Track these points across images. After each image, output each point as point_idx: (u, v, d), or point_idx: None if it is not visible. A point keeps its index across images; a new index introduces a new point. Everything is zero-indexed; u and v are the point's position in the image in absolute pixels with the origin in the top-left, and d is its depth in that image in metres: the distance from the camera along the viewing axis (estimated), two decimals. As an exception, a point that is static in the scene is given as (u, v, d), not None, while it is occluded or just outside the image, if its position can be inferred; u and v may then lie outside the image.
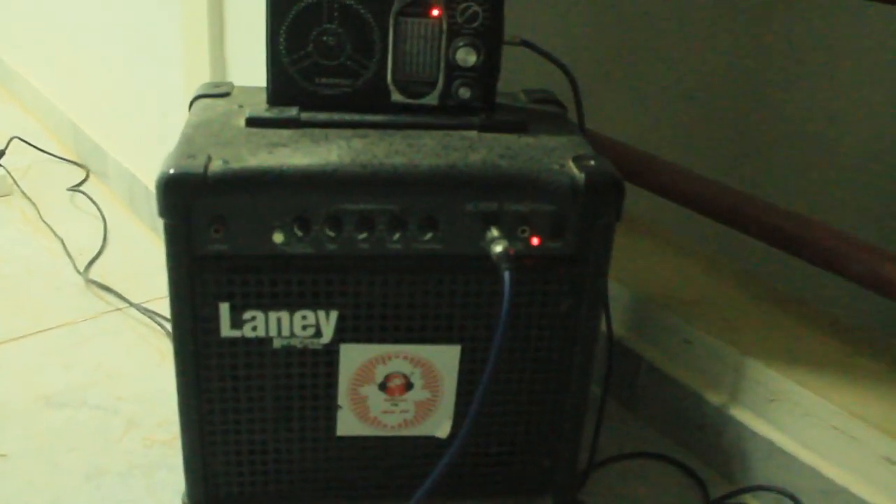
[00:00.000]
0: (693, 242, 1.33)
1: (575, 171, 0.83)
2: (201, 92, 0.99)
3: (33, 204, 1.75)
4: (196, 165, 0.79)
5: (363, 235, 0.83)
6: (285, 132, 0.88)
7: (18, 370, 1.26)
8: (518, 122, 0.92)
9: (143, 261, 1.56)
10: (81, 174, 1.90)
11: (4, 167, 1.83)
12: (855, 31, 1.74)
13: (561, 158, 0.86)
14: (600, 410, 1.07)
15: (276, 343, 0.87)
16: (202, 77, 1.35)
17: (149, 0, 1.54)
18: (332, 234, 0.82)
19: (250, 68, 1.28)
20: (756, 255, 1.23)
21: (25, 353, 1.30)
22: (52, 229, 1.65)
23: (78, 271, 1.52)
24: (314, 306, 0.85)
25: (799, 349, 1.07)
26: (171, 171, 0.79)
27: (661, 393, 1.16)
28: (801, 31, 1.72)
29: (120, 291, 1.45)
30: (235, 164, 0.80)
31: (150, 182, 1.63)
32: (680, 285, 1.22)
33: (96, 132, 1.89)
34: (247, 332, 0.86)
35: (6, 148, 1.89)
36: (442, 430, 0.93)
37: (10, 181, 1.82)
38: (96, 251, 1.58)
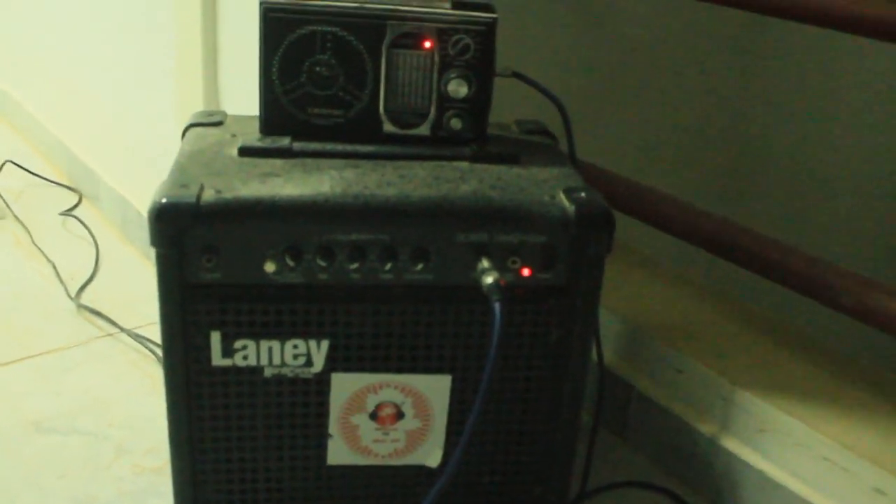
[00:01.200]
0: (684, 270, 1.33)
1: (566, 203, 0.84)
2: (194, 121, 1.00)
3: (26, 228, 1.75)
4: (188, 195, 0.80)
5: (355, 265, 0.83)
6: (278, 162, 0.89)
7: (7, 396, 1.25)
8: (509, 153, 0.93)
9: (135, 286, 1.56)
10: (74, 198, 1.90)
11: (-2, 192, 1.84)
12: (848, 62, 1.76)
13: (552, 190, 0.86)
14: (591, 439, 1.08)
15: (268, 372, 0.87)
16: (195, 104, 1.35)
17: (143, 26, 1.55)
18: (323, 263, 0.82)
19: (243, 95, 1.29)
20: (746, 283, 1.23)
21: (14, 378, 1.30)
22: (44, 254, 1.65)
23: (69, 296, 1.51)
24: (305, 335, 0.85)
25: (789, 379, 1.08)
26: (164, 200, 0.80)
27: (651, 422, 1.16)
28: (794, 62, 1.74)
29: (111, 317, 1.44)
30: (228, 194, 0.81)
31: (143, 208, 1.63)
32: (671, 314, 1.22)
33: (89, 157, 1.89)
34: (238, 360, 0.86)
35: (-1, 171, 1.89)
36: (433, 459, 0.93)
37: (3, 205, 1.82)
38: (88, 276, 1.58)
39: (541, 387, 0.91)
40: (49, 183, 1.97)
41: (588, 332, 0.89)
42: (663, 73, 1.58)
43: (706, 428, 1.09)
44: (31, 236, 1.72)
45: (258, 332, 0.85)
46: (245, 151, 0.90)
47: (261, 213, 0.81)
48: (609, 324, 1.20)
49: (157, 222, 0.79)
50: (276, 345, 0.85)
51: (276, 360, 0.86)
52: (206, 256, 0.81)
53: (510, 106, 1.03)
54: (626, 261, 1.33)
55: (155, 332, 1.37)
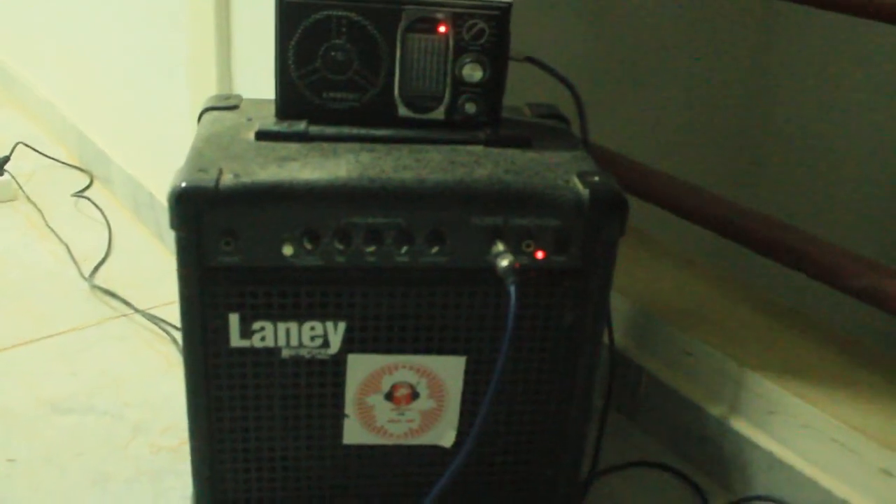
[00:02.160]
0: (694, 253, 1.34)
1: (579, 187, 0.85)
2: (210, 104, 1.01)
3: (38, 209, 1.77)
4: (207, 179, 0.81)
5: (371, 248, 0.84)
6: (294, 146, 0.89)
7: (24, 376, 1.27)
8: (523, 137, 0.94)
9: (148, 267, 1.57)
10: (86, 180, 1.91)
11: (9, 172, 1.84)
12: (858, 43, 1.76)
13: (565, 174, 0.87)
14: (602, 420, 1.09)
15: (285, 353, 0.88)
16: (208, 86, 1.36)
17: (155, 7, 1.55)
18: (340, 247, 0.83)
19: (256, 77, 1.30)
20: (757, 265, 1.24)
21: (31, 358, 1.31)
22: (56, 235, 1.66)
23: (83, 277, 1.53)
24: (322, 317, 0.87)
25: (798, 361, 1.09)
26: (183, 184, 0.81)
27: (662, 404, 1.17)
28: (804, 44, 1.74)
29: (125, 297, 1.46)
30: (246, 178, 0.82)
31: (155, 189, 1.65)
32: (681, 296, 1.23)
33: (101, 138, 1.90)
34: (255, 342, 0.87)
35: (11, 153, 1.89)
36: (446, 439, 0.95)
37: (15, 186, 1.83)
38: (101, 257, 1.60)
39: (554, 368, 0.92)
40: (60, 164, 1.98)
41: (601, 313, 0.90)
42: (675, 56, 1.58)
43: (716, 410, 1.11)
44: (44, 218, 1.74)
45: (276, 314, 0.86)
46: (262, 135, 0.91)
47: (279, 197, 0.81)
48: (619, 306, 1.21)
49: (176, 206, 0.80)
50: (293, 326, 0.87)
51: (294, 342, 0.87)
52: (225, 240, 0.82)
53: (523, 90, 1.04)
54: (636, 243, 1.33)
55: (168, 313, 1.40)
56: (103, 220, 1.73)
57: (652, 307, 1.21)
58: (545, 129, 0.99)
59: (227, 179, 0.81)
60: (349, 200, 0.83)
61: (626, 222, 0.86)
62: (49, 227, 1.70)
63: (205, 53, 1.37)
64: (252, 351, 0.87)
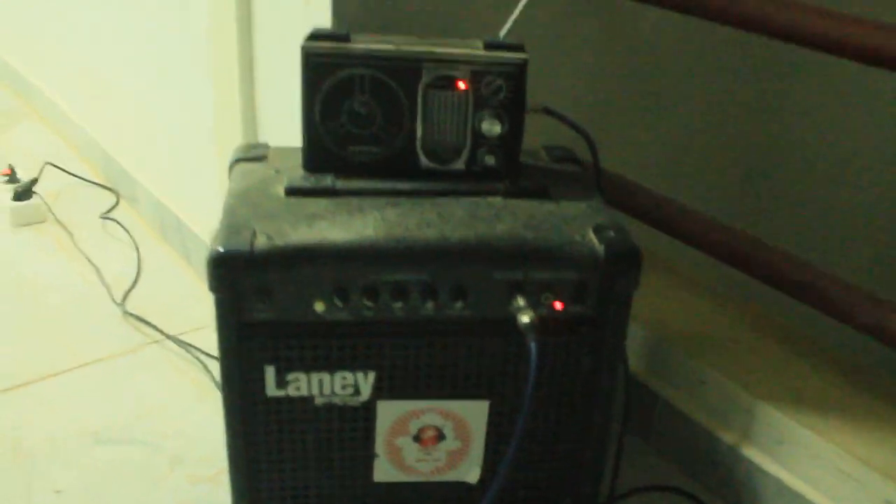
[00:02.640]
0: (706, 278, 1.38)
1: (595, 242, 0.89)
2: (239, 156, 1.05)
3: (67, 231, 1.82)
4: (242, 242, 0.86)
5: (398, 304, 0.89)
6: (322, 202, 0.94)
7: (65, 405, 1.33)
8: (540, 187, 0.98)
9: (177, 291, 1.63)
10: (112, 199, 1.97)
11: (38, 194, 1.90)
12: (868, 73, 1.78)
13: (582, 228, 0.91)
14: (619, 446, 1.13)
15: (318, 401, 0.93)
16: (231, 111, 1.39)
17: (179, 34, 1.59)
18: (369, 303, 0.88)
19: (279, 105, 1.33)
20: (767, 293, 1.28)
21: (71, 387, 1.37)
22: (87, 258, 1.72)
23: (115, 302, 1.58)
24: (353, 368, 0.92)
25: (808, 392, 1.13)
26: (220, 249, 0.85)
27: (676, 429, 1.22)
28: (814, 70, 1.76)
29: (156, 323, 1.51)
30: (279, 241, 0.86)
31: (181, 212, 1.71)
32: (694, 324, 1.27)
33: (126, 159, 1.95)
34: (291, 391, 0.92)
35: (39, 175, 1.95)
36: (472, 475, 1.00)
37: (45, 209, 1.89)
38: (131, 280, 1.65)
39: (572, 409, 0.97)
40: (87, 183, 2.03)
41: (616, 358, 0.95)
42: (686, 83, 1.62)
43: (728, 437, 1.15)
44: (73, 239, 1.79)
45: (309, 366, 0.91)
46: (291, 191, 0.95)
47: (310, 258, 0.86)
48: (633, 332, 1.25)
49: (214, 270, 0.85)
50: (325, 377, 0.92)
51: (326, 391, 0.92)
52: (260, 298, 0.87)
53: (539, 125, 1.07)
54: (649, 268, 1.37)
55: (198, 338, 1.45)
56: (131, 242, 1.78)
57: (665, 335, 1.25)
58: (561, 176, 1.04)
59: (261, 242, 0.86)
60: (376, 260, 0.87)
61: (640, 274, 0.90)
62: (79, 250, 1.75)
63: (228, 80, 1.40)
64: (287, 399, 0.92)
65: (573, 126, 1.02)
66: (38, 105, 2.43)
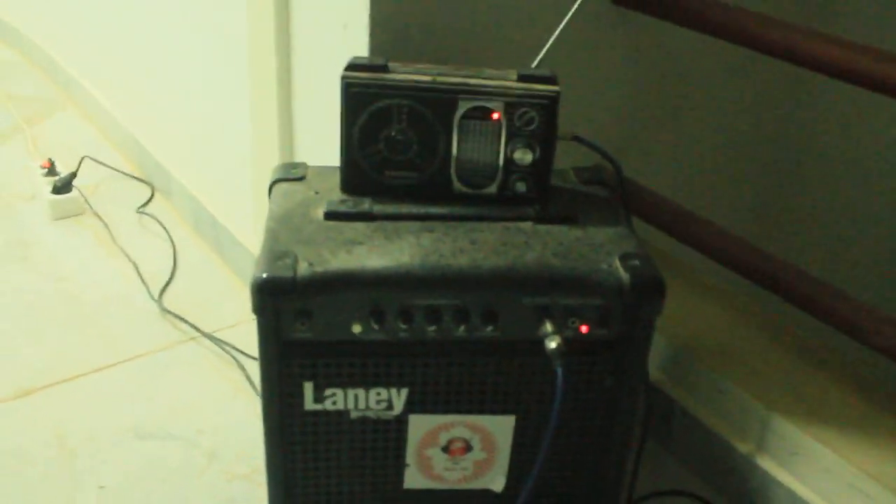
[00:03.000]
0: (727, 288, 1.42)
1: (621, 271, 0.93)
2: (279, 176, 1.10)
3: (105, 224, 1.88)
4: (285, 269, 0.90)
5: (432, 327, 0.93)
6: (360, 226, 0.98)
7: (106, 400, 1.39)
8: (569, 214, 1.02)
9: (211, 287, 1.68)
10: (147, 192, 2.02)
11: (76, 188, 1.95)
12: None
13: (608, 256, 0.95)
14: (638, 453, 1.18)
15: (353, 414, 0.98)
16: (269, 123, 1.43)
17: (221, 38, 1.61)
18: (403, 326, 0.93)
19: (315, 121, 1.37)
20: (787, 306, 1.32)
21: (110, 383, 1.43)
22: (125, 253, 1.77)
23: (153, 298, 1.64)
24: (387, 385, 0.97)
25: (822, 405, 1.17)
26: (264, 275, 0.90)
27: (694, 436, 1.26)
28: (839, 93, 1.78)
29: (192, 320, 1.57)
30: (319, 267, 0.91)
31: (215, 209, 1.76)
32: (714, 334, 1.31)
33: (161, 153, 2.00)
34: (327, 405, 0.97)
35: (78, 169, 2.00)
36: (497, 484, 1.05)
37: (83, 201, 1.94)
38: (167, 276, 1.71)
39: (595, 426, 1.02)
40: (123, 175, 2.09)
41: (638, 379, 1.00)
42: (703, 102, 1.64)
43: (743, 447, 1.20)
44: (110, 233, 1.85)
45: (345, 382, 0.96)
46: (330, 216, 1.00)
47: (348, 284, 0.91)
48: (656, 343, 1.29)
49: (258, 295, 0.90)
50: (361, 392, 0.97)
51: (361, 405, 0.97)
52: (301, 320, 0.92)
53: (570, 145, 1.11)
54: (671, 276, 1.41)
55: (233, 336, 1.51)
56: (166, 237, 1.83)
57: (686, 344, 1.29)
58: (590, 201, 1.07)
59: (303, 269, 0.91)
60: (412, 285, 0.92)
61: (664, 302, 0.94)
62: (116, 244, 1.81)
63: (267, 95, 1.44)
64: (324, 413, 0.98)
65: (602, 154, 1.06)
66: (76, 96, 2.47)
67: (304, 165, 1.12)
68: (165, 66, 1.90)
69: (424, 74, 1.00)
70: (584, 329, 0.95)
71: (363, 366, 0.95)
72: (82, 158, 2.04)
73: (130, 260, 1.75)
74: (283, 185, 1.08)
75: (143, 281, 1.69)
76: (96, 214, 1.92)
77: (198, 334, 1.54)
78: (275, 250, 0.94)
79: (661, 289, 0.93)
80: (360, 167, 1.03)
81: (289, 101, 1.41)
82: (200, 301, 1.63)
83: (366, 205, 1.01)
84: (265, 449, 1.00)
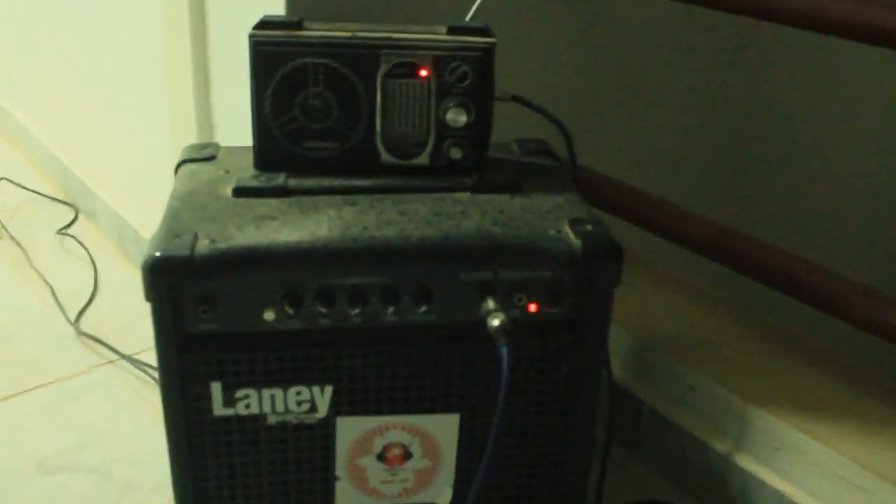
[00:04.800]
0: (692, 276, 1.31)
1: (571, 237, 0.81)
2: (186, 156, 0.97)
3: (22, 249, 1.73)
4: (182, 247, 0.77)
5: (356, 310, 0.81)
6: (273, 202, 0.86)
7: (9, 432, 1.24)
8: (511, 181, 0.90)
9: (134, 308, 1.51)
10: (71, 214, 1.88)
11: (-8, 211, 1.81)
12: (853, 61, 1.72)
13: (557, 222, 0.84)
14: (604, 459, 1.06)
15: (271, 419, 0.85)
16: (188, 119, 1.32)
17: (134, 43, 1.52)
18: (323, 309, 0.80)
19: (236, 107, 1.25)
20: (756, 291, 1.21)
21: (15, 413, 1.28)
22: (41, 276, 1.63)
23: (69, 321, 1.49)
24: (308, 382, 0.83)
25: (804, 394, 1.05)
26: (157, 253, 0.77)
27: (664, 438, 1.14)
28: (797, 62, 1.70)
29: (111, 342, 1.42)
30: (222, 244, 0.78)
31: (140, 226, 1.62)
32: (680, 325, 1.20)
33: (84, 172, 1.86)
34: (240, 409, 0.84)
35: (-7, 191, 1.86)
36: (443, 497, 0.92)
37: (-1, 225, 1.80)
38: (87, 298, 1.56)
39: (551, 420, 0.89)
40: (45, 198, 1.94)
41: (598, 364, 0.87)
42: (662, 76, 1.55)
43: (720, 446, 1.08)
44: (27, 258, 1.70)
45: (260, 381, 0.83)
46: (239, 192, 0.87)
47: (257, 262, 0.78)
48: (616, 336, 1.18)
49: (150, 277, 0.77)
50: (278, 392, 0.83)
51: (280, 408, 0.84)
52: (203, 307, 0.79)
53: (512, 119, 1.00)
54: (630, 268, 1.30)
55: (155, 358, 1.36)
56: (88, 258, 1.69)
57: (650, 337, 1.18)
58: (535, 170, 0.96)
59: (203, 246, 0.78)
60: (331, 262, 0.79)
61: (622, 272, 0.82)
62: (34, 268, 1.66)
63: (182, 84, 1.33)
64: (237, 419, 0.84)
65: (546, 115, 0.95)
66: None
67: (215, 145, 1.00)
68: (84, 81, 1.77)
69: (343, 31, 0.89)
70: (532, 308, 0.83)
71: (279, 360, 0.82)
72: (-1, 179, 1.90)
73: (47, 283, 1.60)
74: (191, 166, 0.95)
75: (59, 304, 1.54)
76: (13, 239, 1.77)
77: (116, 357, 1.39)
78: (172, 228, 0.81)
79: (619, 254, 0.82)
80: (274, 139, 0.90)
81: (206, 88, 1.29)
82: (122, 323, 1.48)
83: (280, 179, 0.89)
84: (170, 466, 0.86)
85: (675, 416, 1.13)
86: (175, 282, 0.77)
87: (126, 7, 1.51)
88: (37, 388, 1.33)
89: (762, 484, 1.03)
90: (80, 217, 1.87)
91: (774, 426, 1.03)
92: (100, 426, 1.25)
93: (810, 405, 1.04)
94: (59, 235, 1.79)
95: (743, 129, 1.74)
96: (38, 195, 1.95)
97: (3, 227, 1.80)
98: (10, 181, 1.94)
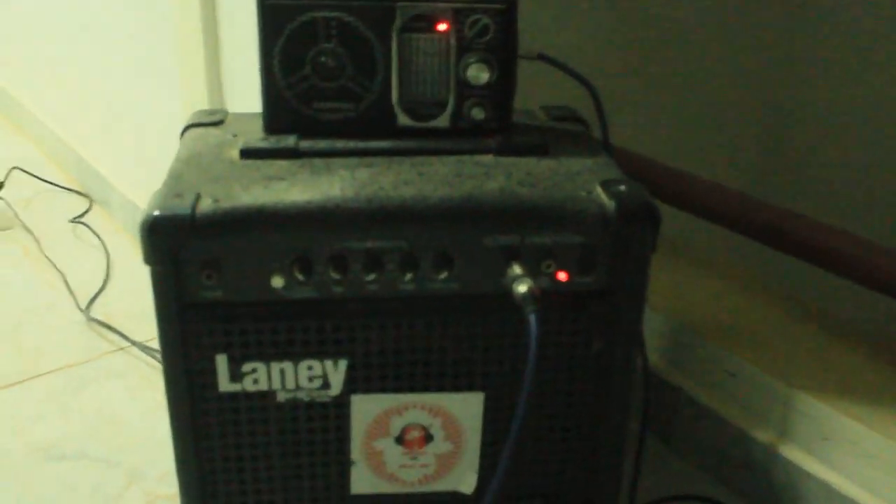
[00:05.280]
0: (730, 261, 1.24)
1: (604, 197, 0.75)
2: (193, 121, 0.92)
3: (35, 238, 1.69)
4: (183, 206, 0.72)
5: (371, 276, 0.74)
6: (283, 163, 0.80)
7: (15, 419, 1.19)
8: (538, 143, 0.84)
9: (147, 295, 1.48)
10: (85, 204, 1.84)
11: (5, 199, 1.77)
12: (886, 34, 1.64)
13: (587, 183, 0.77)
14: (639, 451, 0.99)
15: (281, 396, 0.78)
16: (200, 103, 1.28)
17: (145, 26, 1.47)
18: (336, 276, 0.74)
19: (249, 90, 1.21)
20: (800, 273, 1.14)
21: (22, 400, 1.23)
22: (53, 264, 1.59)
23: (80, 309, 1.45)
24: (320, 355, 0.77)
25: (855, 380, 0.98)
26: (156, 213, 0.71)
27: (702, 429, 1.07)
28: (832, 37, 1.62)
29: (122, 329, 1.38)
30: (226, 203, 0.73)
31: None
32: (719, 310, 1.13)
33: (98, 161, 1.83)
34: (247, 385, 0.78)
35: (6, 179, 1.82)
36: (466, 484, 0.85)
37: (11, 214, 1.76)
38: (98, 286, 1.51)
39: (583, 400, 0.82)
40: (59, 189, 1.91)
41: (632, 339, 0.80)
42: (694, 54, 1.48)
43: (763, 435, 1.00)
44: (40, 246, 1.66)
45: (268, 354, 0.77)
46: (247, 153, 0.82)
47: (264, 223, 0.72)
48: (652, 322, 1.11)
49: (149, 237, 0.71)
50: (288, 367, 0.77)
51: (290, 384, 0.78)
52: (206, 272, 0.73)
53: (537, 92, 0.94)
54: (667, 251, 1.23)
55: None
56: (101, 246, 1.65)
57: (688, 322, 1.11)
58: (562, 134, 0.90)
59: (206, 205, 0.72)
60: (344, 223, 0.73)
61: (658, 236, 0.76)
62: (45, 256, 1.62)
63: (194, 68, 1.29)
64: (244, 395, 0.78)
65: (574, 75, 0.89)
66: (11, 109, 2.30)
67: (223, 111, 0.95)
68: (97, 69, 1.73)
69: (357, -18, 0.83)
70: (562, 276, 0.76)
71: (289, 331, 0.76)
72: (10, 169, 1.86)
73: (59, 270, 1.56)
74: (197, 130, 0.90)
75: (70, 291, 1.49)
76: (26, 228, 1.73)
77: (127, 344, 1.34)
78: (174, 188, 0.75)
79: (655, 216, 0.75)
80: (284, 100, 0.85)
81: (218, 67, 1.24)
82: (133, 311, 1.43)
83: (291, 141, 0.83)
84: (174, 447, 0.80)
85: (715, 404, 1.06)
86: (176, 243, 0.72)
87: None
88: (44, 374, 1.28)
89: (808, 476, 0.95)
90: (95, 206, 1.83)
91: (822, 413, 0.95)
92: (107, 414, 1.20)
93: (862, 391, 0.96)
94: (72, 224, 1.75)
95: (775, 100, 1.67)
96: (52, 185, 1.91)
97: (17, 215, 1.77)
98: (25, 171, 1.90)
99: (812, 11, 1.58)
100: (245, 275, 0.74)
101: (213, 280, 0.73)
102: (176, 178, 0.78)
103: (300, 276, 0.74)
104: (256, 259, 0.73)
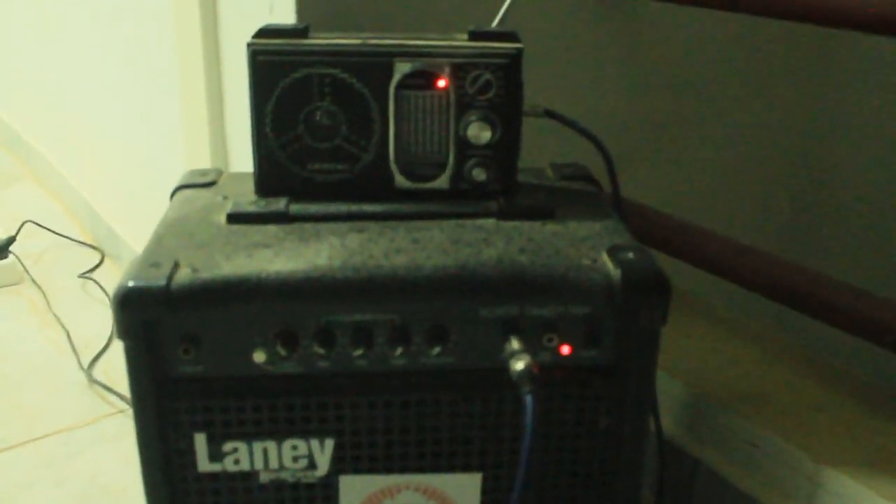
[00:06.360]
0: (750, 322, 1.17)
1: (610, 266, 0.70)
2: (184, 181, 0.88)
3: (42, 293, 1.66)
4: (158, 276, 0.68)
5: (360, 351, 0.70)
6: (271, 229, 0.76)
7: (6, 487, 1.14)
8: (543, 206, 0.79)
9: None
10: (96, 258, 1.81)
11: (14, 254, 1.75)
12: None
13: (593, 251, 0.72)
14: (654, 529, 0.92)
15: (264, 477, 0.74)
16: (203, 160, 1.24)
17: (154, 83, 1.46)
18: (322, 350, 0.69)
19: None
20: (825, 336, 1.07)
21: (15, 465, 1.19)
22: (59, 321, 1.55)
23: (82, 368, 1.41)
24: (305, 434, 0.72)
25: (886, 454, 0.91)
26: (129, 283, 0.68)
27: (722, 503, 1.00)
28: (863, 89, 1.57)
29: (123, 391, 1.33)
30: (206, 273, 0.68)
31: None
32: (739, 375, 1.06)
33: (110, 215, 1.81)
34: (228, 465, 0.73)
35: (17, 234, 1.80)
36: (465, 570, 0.79)
37: (20, 269, 1.74)
38: (102, 345, 1.48)
39: (590, 483, 0.77)
40: (72, 242, 1.89)
41: (642, 417, 0.75)
42: (716, 106, 1.43)
43: (789, 513, 0.93)
44: (47, 302, 1.63)
45: (250, 433, 0.72)
46: (234, 218, 0.78)
47: (244, 295, 0.68)
48: (667, 388, 1.05)
49: (121, 311, 0.68)
50: (271, 446, 0.72)
51: (273, 464, 0.73)
52: (184, 346, 0.69)
53: (546, 145, 0.90)
54: (682, 309, 1.17)
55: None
56: (108, 303, 1.61)
57: (706, 388, 1.04)
58: (571, 195, 0.85)
59: (183, 275, 0.68)
60: (330, 294, 0.69)
61: (668, 307, 0.70)
62: (52, 313, 1.59)
63: (198, 125, 1.26)
64: (225, 476, 0.73)
65: (583, 132, 0.84)
66: (30, 161, 2.31)
67: (217, 171, 0.91)
68: (113, 126, 1.72)
69: (352, 38, 0.79)
70: (565, 350, 0.71)
71: (272, 409, 0.71)
72: (23, 223, 1.84)
73: (63, 327, 1.52)
74: (186, 192, 0.86)
75: (73, 350, 1.46)
76: (34, 282, 1.71)
77: (127, 406, 1.30)
78: (152, 256, 0.71)
79: (665, 286, 0.70)
80: (276, 161, 0.81)
81: (222, 125, 1.21)
82: (137, 369, 1.39)
83: (280, 204, 0.79)
84: (152, 530, 0.75)
85: (735, 476, 0.99)
86: (150, 316, 0.67)
87: (143, 48, 1.46)
88: (38, 439, 1.24)
89: (840, 559, 0.88)
90: (106, 260, 1.80)
91: (852, 491, 0.88)
92: (102, 481, 1.15)
93: (895, 467, 0.89)
94: (81, 279, 1.72)
95: (804, 155, 1.61)
96: (64, 238, 1.89)
97: (26, 270, 1.74)
98: (38, 224, 1.88)
99: (843, 68, 1.53)
100: (225, 349, 0.69)
101: (192, 355, 0.69)
102: (156, 245, 0.74)
103: (284, 351, 0.69)
104: (237, 333, 0.69)
